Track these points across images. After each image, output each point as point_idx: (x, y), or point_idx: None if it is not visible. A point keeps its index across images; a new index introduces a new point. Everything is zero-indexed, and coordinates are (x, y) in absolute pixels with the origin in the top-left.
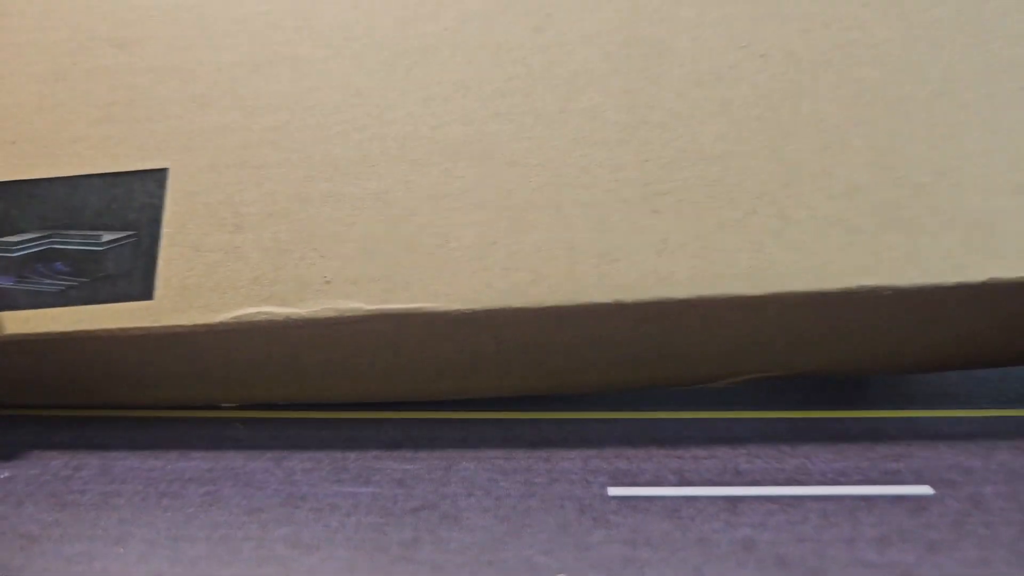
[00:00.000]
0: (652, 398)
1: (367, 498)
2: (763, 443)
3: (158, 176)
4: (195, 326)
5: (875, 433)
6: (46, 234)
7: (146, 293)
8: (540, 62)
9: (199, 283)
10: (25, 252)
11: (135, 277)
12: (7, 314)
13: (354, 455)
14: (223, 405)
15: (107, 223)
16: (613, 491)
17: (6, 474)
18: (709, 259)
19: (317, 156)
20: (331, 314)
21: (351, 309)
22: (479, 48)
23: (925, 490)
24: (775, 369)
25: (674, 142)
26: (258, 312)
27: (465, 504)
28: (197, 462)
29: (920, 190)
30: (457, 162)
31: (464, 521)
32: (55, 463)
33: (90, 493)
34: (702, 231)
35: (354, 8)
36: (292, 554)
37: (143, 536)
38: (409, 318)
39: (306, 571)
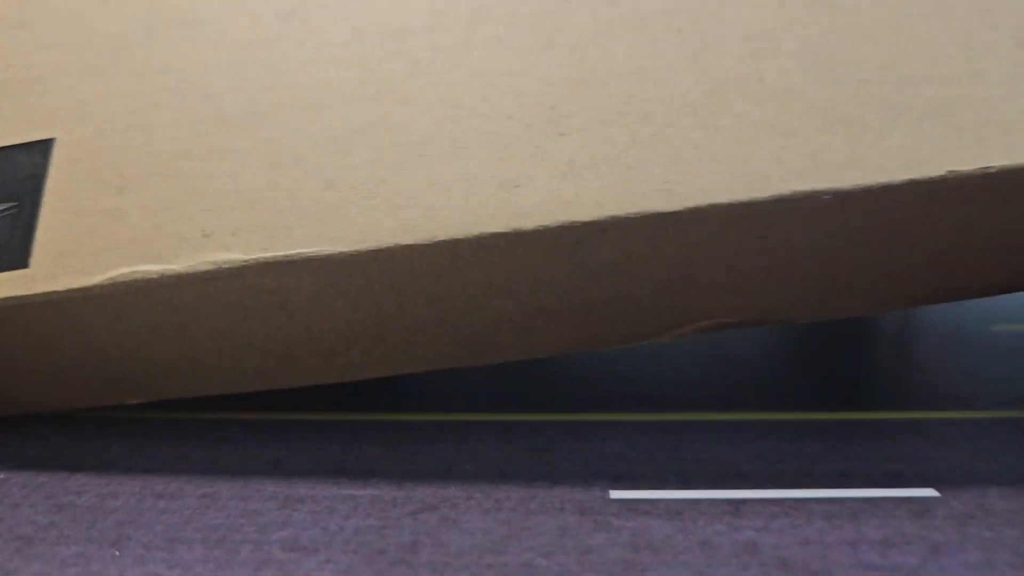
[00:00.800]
0: (652, 399)
1: (366, 500)
2: (766, 445)
3: (43, 147)
4: (70, 291)
5: (879, 435)
6: None
7: (23, 262)
8: None
9: (76, 248)
10: None
11: (12, 247)
12: None
13: (353, 457)
14: (130, 403)
15: None
16: (614, 494)
17: (1, 476)
18: (619, 177)
19: (206, 113)
20: (208, 267)
21: (228, 260)
22: None
23: (929, 492)
24: (722, 314)
25: (584, 62)
26: (133, 271)
27: (465, 507)
28: (194, 463)
29: (862, 87)
30: (349, 105)
31: (464, 524)
32: (51, 464)
33: (87, 495)
34: (612, 150)
35: None
36: (290, 557)
37: (140, 538)
38: (291, 267)
39: (304, 574)
